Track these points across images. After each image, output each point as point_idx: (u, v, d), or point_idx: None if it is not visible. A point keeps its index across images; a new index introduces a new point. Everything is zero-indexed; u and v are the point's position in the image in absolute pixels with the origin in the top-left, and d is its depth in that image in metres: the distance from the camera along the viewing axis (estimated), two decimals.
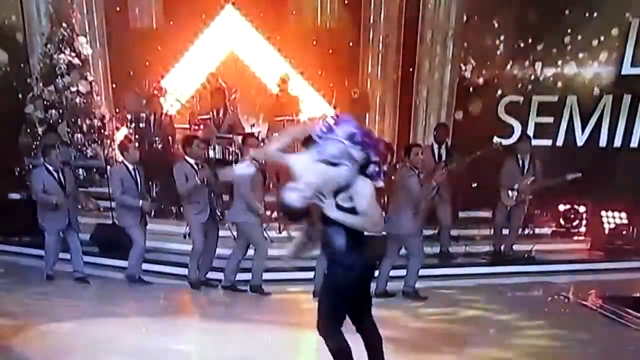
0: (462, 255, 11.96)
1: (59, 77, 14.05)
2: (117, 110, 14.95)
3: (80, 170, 13.63)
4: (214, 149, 12.63)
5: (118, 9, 15.47)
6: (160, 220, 11.91)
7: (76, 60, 14.18)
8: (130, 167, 10.30)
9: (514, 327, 8.49)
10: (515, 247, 12.01)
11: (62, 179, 10.25)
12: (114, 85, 15.47)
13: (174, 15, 15.48)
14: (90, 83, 14.37)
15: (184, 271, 10.42)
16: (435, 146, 11.97)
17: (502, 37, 14.43)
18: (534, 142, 12.63)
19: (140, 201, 10.20)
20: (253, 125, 14.04)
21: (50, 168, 10.21)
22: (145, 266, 10.61)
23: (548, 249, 12.52)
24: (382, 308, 9.07)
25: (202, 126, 13.20)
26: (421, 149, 9.87)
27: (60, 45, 14.10)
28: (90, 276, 10.58)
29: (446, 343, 7.74)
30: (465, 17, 14.71)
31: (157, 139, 12.98)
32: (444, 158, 11.77)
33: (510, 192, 11.69)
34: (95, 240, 11.68)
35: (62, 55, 14.08)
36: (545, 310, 9.47)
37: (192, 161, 10.04)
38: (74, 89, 14.08)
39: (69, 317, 8.40)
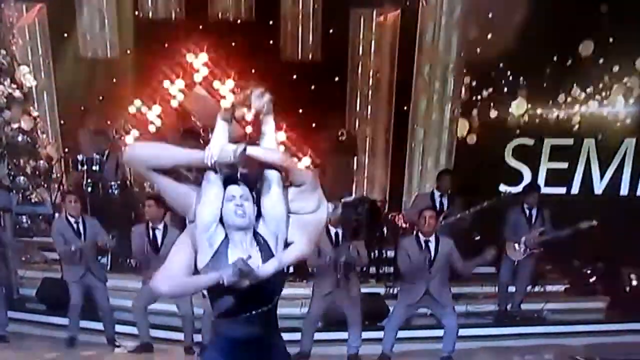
0: (464, 315, 12.26)
1: None
2: (67, 150, 15.39)
3: (24, 217, 13.96)
4: None
5: (66, 35, 15.83)
6: (118, 275, 12.41)
7: (17, 93, 14.38)
8: (72, 219, 10.97)
9: None
10: (523, 305, 12.56)
11: None
12: (62, 122, 15.92)
13: (132, 44, 15.87)
14: (35, 119, 14.62)
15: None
16: (437, 194, 12.87)
17: (509, 73, 15.25)
18: (546, 189, 13.45)
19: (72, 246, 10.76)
20: None
21: None
22: (99, 325, 11.24)
23: (561, 308, 13.07)
24: None
25: None
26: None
27: None
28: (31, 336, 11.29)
29: None
30: (468, 50, 15.58)
31: (113, 183, 13.61)
32: (445, 208, 12.62)
33: (517, 245, 12.29)
34: (41, 297, 12.03)
35: (0, 87, 14.26)
36: None
37: None
38: (15, 125, 14.26)
39: None
